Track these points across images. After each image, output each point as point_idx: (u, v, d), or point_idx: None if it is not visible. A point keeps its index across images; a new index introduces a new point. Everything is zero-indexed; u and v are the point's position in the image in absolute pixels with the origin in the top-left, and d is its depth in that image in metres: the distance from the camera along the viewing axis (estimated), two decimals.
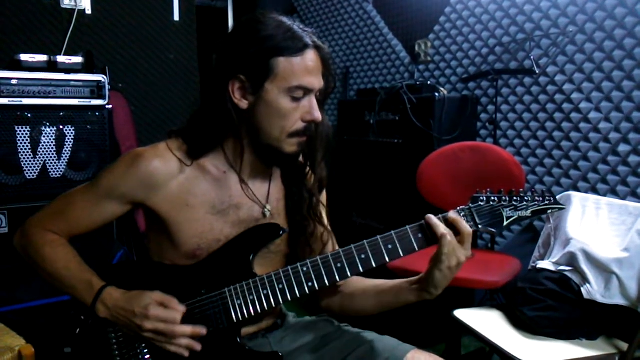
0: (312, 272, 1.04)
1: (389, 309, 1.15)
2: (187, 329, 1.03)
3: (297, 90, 1.03)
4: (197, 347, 1.04)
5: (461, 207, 1.05)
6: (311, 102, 1.06)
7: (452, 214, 1.03)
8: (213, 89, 1.07)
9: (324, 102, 1.12)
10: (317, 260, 1.05)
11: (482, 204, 1.04)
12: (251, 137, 1.09)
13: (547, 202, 1.05)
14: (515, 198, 1.05)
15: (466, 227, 1.00)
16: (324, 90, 1.09)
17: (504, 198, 1.04)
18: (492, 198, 1.04)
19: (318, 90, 1.07)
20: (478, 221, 1.04)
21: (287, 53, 1.01)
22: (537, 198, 1.05)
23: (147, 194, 1.08)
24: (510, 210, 1.04)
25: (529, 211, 1.04)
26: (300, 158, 1.17)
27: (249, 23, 1.05)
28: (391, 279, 1.16)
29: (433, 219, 1.02)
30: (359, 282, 1.20)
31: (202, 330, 1.04)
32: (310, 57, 1.04)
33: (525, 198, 1.05)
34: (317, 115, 1.06)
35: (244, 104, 1.06)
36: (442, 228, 1.00)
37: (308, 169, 1.19)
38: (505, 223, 1.04)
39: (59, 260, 1.11)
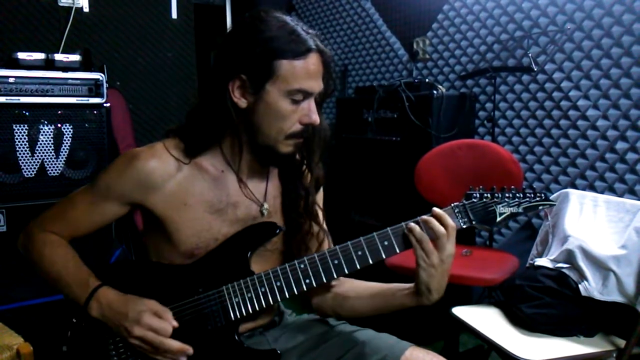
0: (309, 269, 1.05)
1: (382, 312, 1.14)
2: (175, 344, 1.01)
3: (298, 93, 1.04)
4: None
5: (455, 203, 1.06)
6: (310, 105, 1.06)
7: (424, 217, 1.03)
8: (212, 87, 1.07)
9: (322, 104, 1.12)
10: (314, 257, 1.05)
11: (475, 200, 1.06)
12: (249, 136, 1.09)
13: (538, 199, 1.07)
14: (507, 195, 1.06)
15: (439, 228, 1.00)
16: (323, 92, 1.09)
17: (496, 195, 1.06)
18: (485, 195, 1.06)
19: (318, 93, 1.07)
20: (472, 217, 1.05)
21: (290, 56, 1.01)
22: (528, 195, 1.07)
23: (144, 194, 1.08)
24: (502, 206, 1.06)
25: (520, 207, 1.06)
26: (297, 156, 1.16)
27: (252, 22, 1.04)
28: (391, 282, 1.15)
29: (410, 223, 1.02)
30: (353, 284, 1.19)
31: (189, 350, 1.03)
32: (313, 61, 1.03)
33: (517, 195, 1.06)
34: (315, 118, 1.06)
35: (243, 103, 1.06)
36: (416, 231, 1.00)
37: (305, 167, 1.19)
38: (498, 219, 1.05)
39: (58, 260, 1.11)
